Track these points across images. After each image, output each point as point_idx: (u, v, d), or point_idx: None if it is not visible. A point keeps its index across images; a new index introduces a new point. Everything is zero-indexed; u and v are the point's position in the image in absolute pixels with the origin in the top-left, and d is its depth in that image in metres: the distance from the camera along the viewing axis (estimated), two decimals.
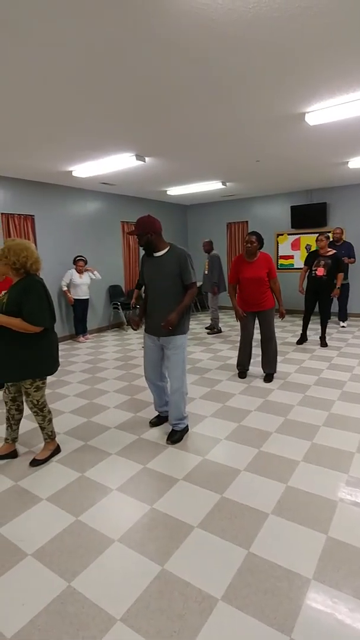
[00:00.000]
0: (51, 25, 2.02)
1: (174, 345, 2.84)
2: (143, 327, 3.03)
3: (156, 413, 3.32)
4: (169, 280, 2.77)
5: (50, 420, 2.69)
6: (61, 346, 6.27)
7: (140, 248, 8.08)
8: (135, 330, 3.05)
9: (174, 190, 7.26)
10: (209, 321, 7.08)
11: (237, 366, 4.39)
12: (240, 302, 4.13)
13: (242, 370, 4.35)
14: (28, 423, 3.33)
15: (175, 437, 2.92)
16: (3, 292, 3.76)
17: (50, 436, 2.72)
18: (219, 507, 2.16)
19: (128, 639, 1.45)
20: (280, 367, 4.61)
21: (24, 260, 2.43)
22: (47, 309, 2.47)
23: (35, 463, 2.64)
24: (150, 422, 3.22)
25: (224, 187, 6.95)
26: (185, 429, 3.04)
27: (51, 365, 2.57)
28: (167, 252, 2.79)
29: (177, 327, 2.81)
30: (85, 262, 6.45)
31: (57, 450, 2.79)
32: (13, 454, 2.79)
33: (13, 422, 2.74)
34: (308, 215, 7.74)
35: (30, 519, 2.13)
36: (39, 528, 2.05)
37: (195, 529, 2.00)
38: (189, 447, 2.83)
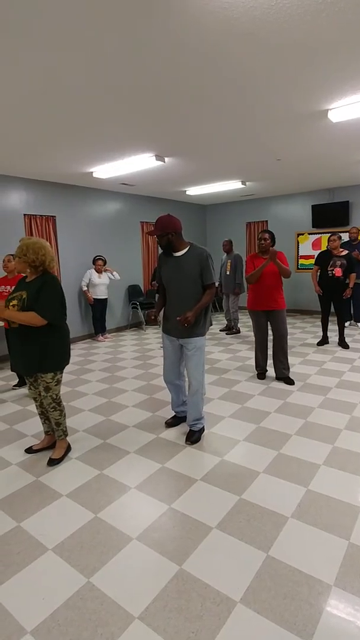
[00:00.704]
0: (73, 28, 2.05)
1: (193, 346, 2.81)
2: (160, 327, 3.05)
3: (173, 413, 3.32)
4: (189, 280, 2.74)
5: (65, 415, 2.74)
6: (80, 345, 6.36)
7: (158, 248, 8.15)
8: (152, 323, 3.12)
9: (193, 190, 7.26)
10: (225, 322, 7.04)
11: (256, 367, 4.35)
12: (252, 300, 4.10)
13: (261, 371, 4.30)
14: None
15: (194, 437, 2.91)
16: (12, 287, 3.90)
17: (64, 432, 2.75)
18: (237, 509, 2.14)
19: (146, 637, 1.45)
20: (301, 368, 4.54)
21: (42, 258, 2.49)
22: (59, 306, 2.53)
23: (53, 463, 2.66)
24: (166, 423, 3.21)
25: (243, 186, 6.90)
26: (202, 429, 3.03)
27: (65, 358, 2.65)
28: (187, 251, 2.76)
29: (196, 328, 2.79)
30: (104, 262, 6.51)
31: (69, 448, 2.82)
32: (52, 445, 2.88)
33: (47, 415, 2.81)
34: (329, 214, 7.60)
35: (51, 514, 2.16)
36: (58, 523, 2.09)
37: (213, 529, 1.99)
38: (207, 448, 2.82)
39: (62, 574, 1.76)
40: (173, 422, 3.21)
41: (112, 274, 6.57)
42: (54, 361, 2.57)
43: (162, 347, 3.01)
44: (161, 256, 2.91)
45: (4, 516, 2.16)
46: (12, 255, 3.99)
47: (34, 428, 3.29)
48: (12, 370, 4.38)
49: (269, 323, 4.15)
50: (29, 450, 2.85)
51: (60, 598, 1.63)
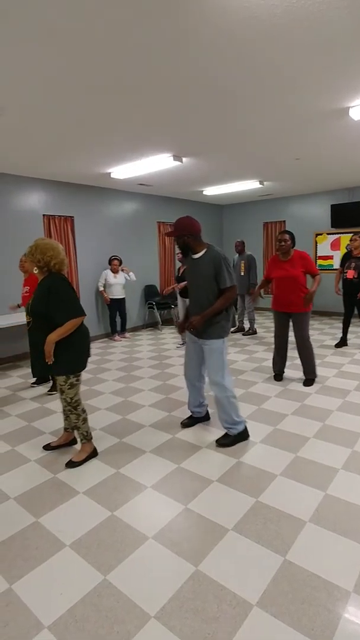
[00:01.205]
0: (93, 29, 2.07)
1: (208, 348, 2.79)
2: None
3: (189, 413, 3.29)
4: (205, 283, 2.74)
5: (85, 420, 2.68)
6: (97, 344, 6.42)
7: (175, 248, 8.17)
8: (181, 334, 3.11)
9: (210, 190, 7.24)
10: (237, 323, 6.98)
11: (273, 368, 4.30)
12: (275, 300, 4.06)
13: (278, 372, 4.26)
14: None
15: (226, 440, 2.82)
16: (26, 288, 3.90)
17: (85, 437, 2.70)
18: (254, 511, 2.12)
19: (162, 637, 1.45)
20: (319, 370, 4.47)
21: (48, 259, 2.47)
22: (75, 301, 2.50)
23: (71, 465, 2.64)
24: (182, 423, 3.18)
25: (261, 186, 6.85)
26: (240, 436, 2.86)
27: (82, 361, 2.60)
28: (203, 254, 2.76)
29: (210, 331, 2.76)
30: (120, 262, 6.53)
31: (94, 453, 2.76)
32: (73, 442, 2.92)
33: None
34: (349, 214, 7.46)
35: (68, 511, 2.19)
36: (76, 520, 2.11)
37: (229, 531, 1.98)
38: (223, 449, 2.80)
39: (79, 570, 1.78)
40: (189, 423, 3.19)
41: (128, 274, 6.59)
42: (64, 365, 2.52)
43: (184, 343, 3.06)
44: (186, 257, 2.92)
45: (23, 512, 2.20)
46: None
47: (52, 425, 3.34)
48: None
49: (291, 324, 4.10)
50: (47, 447, 2.88)
51: (77, 594, 1.65)
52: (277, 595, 1.61)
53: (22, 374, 4.91)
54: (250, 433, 3.01)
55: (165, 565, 1.79)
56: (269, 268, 4.04)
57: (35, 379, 4.50)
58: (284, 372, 4.30)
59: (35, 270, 2.55)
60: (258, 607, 1.56)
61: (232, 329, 6.79)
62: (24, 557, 1.86)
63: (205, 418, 3.25)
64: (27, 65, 2.41)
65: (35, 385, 4.40)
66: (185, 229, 2.69)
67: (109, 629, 1.50)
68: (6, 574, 1.77)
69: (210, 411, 3.32)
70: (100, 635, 1.47)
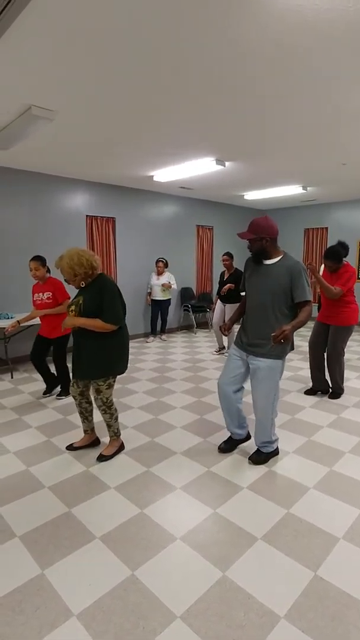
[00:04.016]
0: (139, 35, 2.12)
1: (267, 367, 2.45)
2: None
3: (221, 420, 3.11)
4: (275, 293, 2.40)
5: (116, 419, 2.75)
6: (132, 344, 6.52)
7: (213, 252, 8.17)
8: (226, 335, 2.77)
9: (252, 195, 7.19)
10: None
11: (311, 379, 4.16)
12: (321, 312, 3.93)
13: (313, 388, 4.07)
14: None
15: (259, 458, 2.65)
16: (48, 294, 3.73)
17: (115, 433, 2.79)
18: (284, 523, 2.08)
19: (187, 638, 1.45)
20: (357, 383, 4.31)
21: (88, 264, 2.51)
22: (121, 306, 2.55)
23: (102, 458, 2.71)
24: (219, 448, 2.84)
25: (304, 191, 6.71)
26: (272, 453, 2.72)
27: (123, 364, 2.65)
28: (279, 261, 2.44)
29: (273, 348, 2.43)
30: (165, 264, 6.57)
31: (122, 447, 2.85)
32: (95, 442, 2.95)
33: (87, 414, 2.85)
34: None
35: (99, 505, 2.24)
36: (106, 514, 2.15)
37: (258, 540, 1.94)
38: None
39: (108, 563, 1.81)
40: (228, 448, 2.82)
41: (170, 284, 6.53)
42: (107, 366, 2.57)
43: (229, 356, 2.71)
44: (248, 262, 2.61)
45: (56, 501, 2.28)
46: (38, 261, 3.70)
47: None
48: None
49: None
50: (70, 448, 2.89)
51: (105, 587, 1.69)
52: (306, 609, 1.56)
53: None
54: (282, 442, 2.95)
55: (192, 567, 1.78)
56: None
57: (60, 389, 4.07)
58: (320, 390, 4.03)
59: (83, 284, 2.57)
60: (285, 620, 1.52)
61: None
62: (56, 545, 1.93)
63: (247, 439, 2.90)
64: (77, 71, 2.51)
65: (62, 397, 4.00)
66: (264, 230, 2.38)
67: (134, 623, 1.52)
68: (38, 559, 1.84)
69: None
70: (126, 629, 1.49)
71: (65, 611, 1.57)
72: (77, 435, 3.12)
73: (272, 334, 2.27)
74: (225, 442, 2.86)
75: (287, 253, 2.49)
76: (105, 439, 2.99)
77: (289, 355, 5.58)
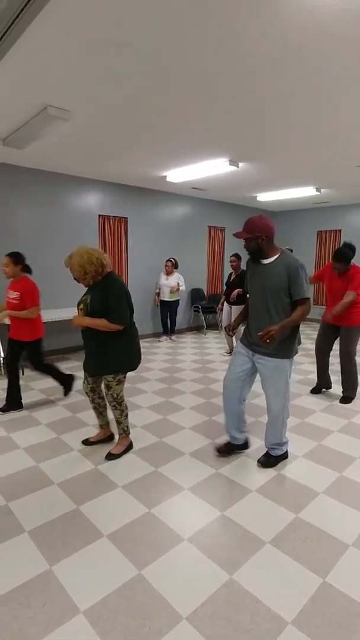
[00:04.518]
0: (157, 37, 2.13)
1: (272, 366, 2.45)
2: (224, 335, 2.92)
3: (226, 437, 2.88)
4: (274, 292, 2.39)
5: (126, 416, 2.77)
6: (142, 344, 6.53)
7: (225, 253, 8.14)
8: (231, 336, 2.72)
9: (264, 196, 7.15)
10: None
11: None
12: (325, 313, 3.90)
13: (317, 386, 4.13)
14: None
15: (269, 461, 2.62)
16: (16, 294, 3.42)
17: (125, 431, 2.81)
18: (293, 527, 2.06)
19: (193, 639, 1.45)
20: None
21: (98, 262, 2.52)
22: (127, 307, 2.55)
23: (111, 457, 2.73)
24: (217, 449, 2.80)
25: (317, 193, 6.65)
26: (282, 456, 2.69)
27: (134, 361, 2.67)
28: (276, 259, 2.42)
29: (279, 346, 2.42)
30: (173, 264, 6.54)
31: (130, 446, 2.86)
32: (110, 437, 2.99)
33: (101, 409, 2.89)
34: None
35: (107, 503, 2.25)
36: (113, 512, 2.16)
37: (266, 544, 1.93)
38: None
39: (115, 561, 1.82)
40: (225, 449, 2.78)
41: (178, 285, 6.51)
42: (118, 363, 2.60)
43: (234, 354, 2.71)
44: (249, 262, 2.61)
45: (65, 497, 2.29)
46: (10, 257, 3.46)
47: (95, 418, 3.44)
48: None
49: (338, 338, 3.92)
50: (86, 442, 2.95)
51: (112, 585, 1.69)
52: (314, 615, 1.54)
53: (70, 367, 5.12)
54: (292, 446, 2.92)
55: (199, 568, 1.78)
56: (323, 273, 3.88)
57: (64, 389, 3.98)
58: (323, 387, 4.13)
59: (91, 282, 2.58)
60: (293, 625, 1.50)
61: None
62: (64, 541, 1.94)
63: (244, 447, 2.83)
64: (94, 72, 2.52)
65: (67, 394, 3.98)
66: (260, 229, 2.36)
67: (140, 623, 1.51)
68: (47, 555, 1.85)
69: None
70: (132, 629, 1.49)
71: (72, 608, 1.58)
72: (87, 432, 3.14)
73: (259, 334, 2.31)
74: (224, 444, 2.81)
75: (284, 251, 2.47)
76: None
77: (299, 358, 5.53)
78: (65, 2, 1.83)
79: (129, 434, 2.85)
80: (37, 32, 2.07)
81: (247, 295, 2.70)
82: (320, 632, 1.48)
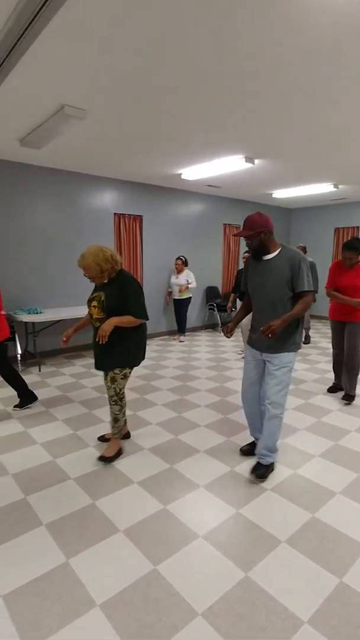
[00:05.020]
0: (170, 31, 2.12)
1: (278, 361, 2.42)
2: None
3: (244, 423, 3.11)
4: (278, 287, 2.37)
5: (124, 413, 2.75)
6: (157, 341, 6.56)
7: (240, 251, 8.10)
8: (228, 337, 2.70)
9: (280, 193, 7.06)
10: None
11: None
12: (332, 309, 3.86)
13: (334, 385, 4.08)
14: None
15: (261, 471, 2.50)
16: None
17: (119, 431, 2.75)
18: (309, 527, 2.03)
19: (208, 636, 1.45)
20: None
21: (113, 259, 2.54)
22: (144, 301, 2.59)
23: (104, 460, 2.66)
24: (241, 450, 2.81)
25: (335, 189, 6.54)
26: (272, 466, 2.58)
27: (140, 356, 2.69)
28: (277, 254, 2.41)
29: (284, 342, 2.41)
30: (183, 262, 6.51)
31: (120, 451, 2.77)
32: (127, 435, 3.02)
33: None
34: None
35: (122, 498, 2.27)
36: (129, 508, 2.18)
37: (282, 543, 1.92)
38: (280, 458, 2.72)
39: (131, 556, 1.83)
40: (250, 450, 2.79)
41: (188, 282, 6.46)
42: (125, 357, 2.62)
43: (244, 360, 2.70)
44: (249, 260, 2.60)
45: (81, 492, 2.32)
46: None
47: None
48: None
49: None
50: (102, 439, 2.97)
51: (127, 579, 1.71)
52: (330, 615, 1.53)
53: (85, 364, 5.18)
54: (308, 445, 2.90)
55: (214, 566, 1.78)
56: (332, 275, 3.80)
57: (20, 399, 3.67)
58: (342, 387, 4.04)
59: (105, 280, 2.59)
60: (309, 625, 1.49)
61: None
62: (80, 535, 1.96)
63: None
64: (107, 68, 2.53)
65: (19, 408, 3.65)
66: (261, 225, 2.36)
67: (156, 618, 1.53)
68: (63, 548, 1.88)
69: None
70: (147, 623, 1.50)
71: (88, 601, 1.60)
72: (102, 429, 3.18)
73: (260, 329, 2.34)
74: (248, 444, 2.82)
75: (285, 245, 2.46)
76: (135, 431, 3.02)
77: (315, 357, 5.47)
78: (81, 3, 1.85)
79: (121, 437, 2.80)
80: (54, 34, 2.10)
81: (244, 295, 2.67)
82: (336, 632, 1.46)
